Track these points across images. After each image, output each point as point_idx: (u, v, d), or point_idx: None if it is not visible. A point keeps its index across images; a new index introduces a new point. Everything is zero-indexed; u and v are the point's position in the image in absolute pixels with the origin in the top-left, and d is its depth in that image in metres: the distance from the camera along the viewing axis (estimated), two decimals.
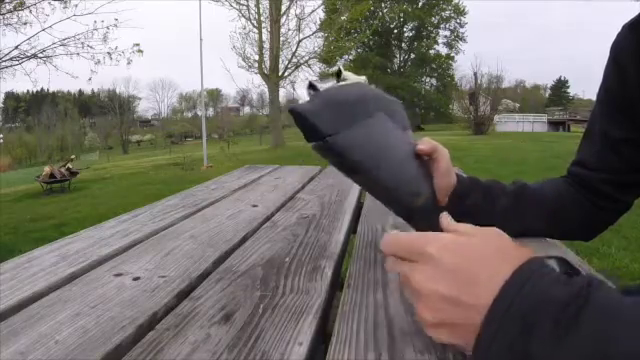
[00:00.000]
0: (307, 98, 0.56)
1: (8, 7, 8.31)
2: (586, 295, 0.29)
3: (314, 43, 17.91)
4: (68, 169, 8.71)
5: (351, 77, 0.61)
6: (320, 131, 0.52)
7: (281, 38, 15.71)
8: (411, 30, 37.84)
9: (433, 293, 0.33)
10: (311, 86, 0.58)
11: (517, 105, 39.19)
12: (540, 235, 0.70)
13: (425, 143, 0.59)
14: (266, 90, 17.31)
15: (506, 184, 0.71)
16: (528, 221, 0.69)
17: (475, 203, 0.66)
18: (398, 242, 0.38)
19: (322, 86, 0.58)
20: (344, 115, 0.54)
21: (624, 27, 0.67)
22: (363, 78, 0.64)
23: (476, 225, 0.39)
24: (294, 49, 16.20)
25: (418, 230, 0.59)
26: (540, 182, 0.74)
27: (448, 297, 0.32)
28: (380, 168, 0.55)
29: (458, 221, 0.41)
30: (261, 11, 15.73)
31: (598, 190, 0.68)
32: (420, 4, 36.01)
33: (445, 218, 0.40)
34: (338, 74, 0.61)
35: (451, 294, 0.32)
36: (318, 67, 17.56)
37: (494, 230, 0.37)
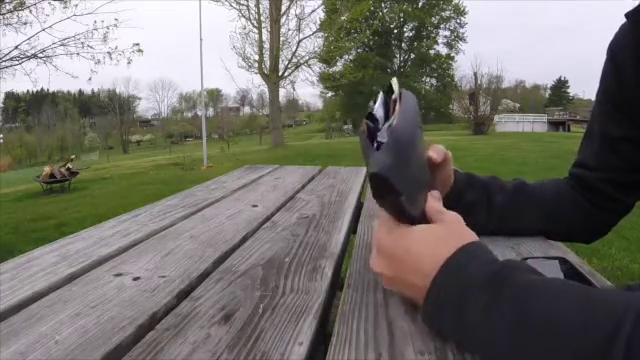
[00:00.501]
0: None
1: (8, 7, 8.30)
2: (506, 273, 0.37)
3: (314, 43, 17.92)
4: (68, 169, 8.71)
5: (397, 88, 0.59)
6: (397, 191, 0.49)
7: (281, 38, 15.71)
8: (411, 30, 37.86)
9: (388, 274, 0.45)
10: (369, 116, 0.55)
11: (517, 105, 39.21)
12: (538, 235, 0.70)
13: (437, 152, 0.57)
14: (266, 90, 17.31)
15: (505, 181, 0.71)
16: (525, 220, 0.69)
17: (472, 200, 0.67)
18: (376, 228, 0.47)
19: (379, 113, 0.56)
20: (406, 159, 0.53)
21: (622, 27, 0.67)
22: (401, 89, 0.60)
23: (473, 222, 0.48)
24: (294, 49, 16.21)
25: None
26: (540, 182, 0.74)
27: (398, 278, 0.45)
28: (409, 194, 0.52)
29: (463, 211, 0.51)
30: (261, 11, 15.73)
31: (598, 190, 0.68)
32: (420, 4, 36.02)
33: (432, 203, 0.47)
34: (389, 90, 0.59)
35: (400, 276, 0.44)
36: (318, 67, 17.58)
37: (452, 218, 0.46)
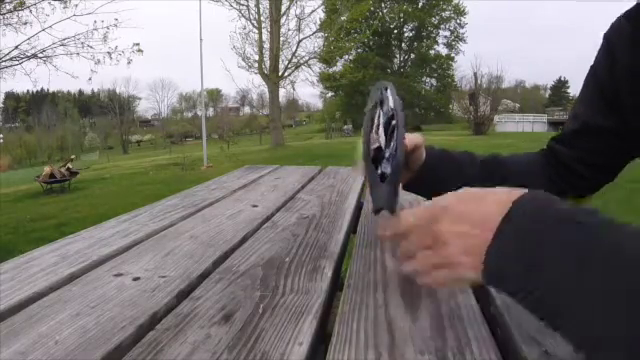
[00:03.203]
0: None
1: (8, 7, 8.30)
2: (577, 211, 0.34)
3: (314, 43, 17.96)
4: (68, 169, 8.71)
5: (392, 102, 0.66)
6: (395, 209, 0.58)
7: (281, 38, 15.71)
8: (411, 30, 37.84)
9: (453, 234, 0.39)
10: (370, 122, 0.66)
11: (517, 105, 39.19)
12: None
13: (410, 141, 0.67)
14: (266, 90, 17.30)
15: (477, 155, 0.76)
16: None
17: (444, 174, 0.72)
18: (416, 213, 0.44)
19: (381, 136, 0.63)
20: (400, 176, 0.61)
21: (619, 18, 0.69)
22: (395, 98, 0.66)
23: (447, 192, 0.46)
24: (294, 49, 16.21)
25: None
26: (514, 154, 0.77)
27: (464, 232, 0.39)
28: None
29: (432, 187, 0.59)
30: (261, 11, 15.73)
31: (570, 167, 0.70)
32: (420, 4, 36.00)
33: None
34: (380, 104, 0.66)
35: (465, 230, 0.39)
36: (318, 67, 17.58)
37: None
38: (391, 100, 0.65)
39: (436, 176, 0.72)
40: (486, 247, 0.36)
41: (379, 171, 0.63)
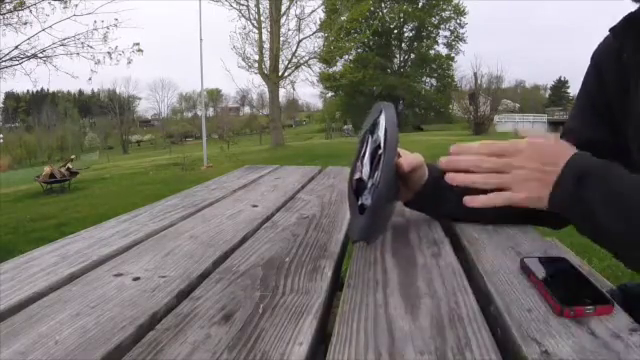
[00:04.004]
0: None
1: (8, 7, 8.30)
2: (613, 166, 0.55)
3: (314, 43, 17.91)
4: (68, 169, 8.72)
5: (383, 124, 0.66)
6: (367, 241, 0.64)
7: (281, 38, 15.72)
8: (411, 30, 37.83)
9: (528, 168, 0.59)
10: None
11: (517, 105, 39.17)
12: (512, 219, 0.74)
13: (408, 163, 0.68)
14: (266, 90, 17.31)
15: None
16: (497, 208, 0.74)
17: (447, 189, 0.72)
18: (492, 146, 0.61)
19: (366, 166, 0.65)
20: (384, 206, 0.65)
21: (605, 38, 0.74)
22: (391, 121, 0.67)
23: (449, 206, 0.71)
24: (294, 49, 16.22)
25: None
26: None
27: (537, 168, 0.58)
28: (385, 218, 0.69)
29: (433, 204, 0.76)
30: (261, 11, 15.74)
31: None
32: (420, 4, 36.00)
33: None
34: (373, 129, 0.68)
35: (538, 167, 0.58)
36: (318, 67, 17.58)
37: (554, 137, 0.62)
38: (382, 128, 0.64)
39: (437, 192, 0.73)
40: (549, 189, 0.57)
41: (359, 202, 0.63)
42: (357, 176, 0.64)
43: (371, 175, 0.63)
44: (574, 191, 0.55)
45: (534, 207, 0.60)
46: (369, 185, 0.63)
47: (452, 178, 0.62)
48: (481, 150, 0.61)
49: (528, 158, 0.58)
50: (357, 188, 0.65)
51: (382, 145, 0.62)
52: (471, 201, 0.62)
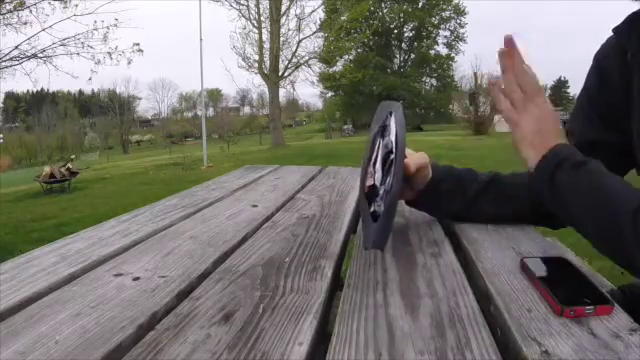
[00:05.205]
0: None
1: (8, 7, 8.30)
2: (585, 162, 0.59)
3: (314, 43, 17.87)
4: (68, 169, 8.72)
5: (394, 127, 0.66)
6: (381, 248, 0.62)
7: (281, 38, 15.71)
8: (411, 30, 37.81)
9: (527, 131, 0.64)
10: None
11: None
12: (511, 219, 0.76)
13: (414, 163, 0.68)
14: (266, 90, 17.30)
15: (480, 172, 0.79)
16: (497, 207, 0.76)
17: (449, 188, 0.75)
18: (529, 75, 0.64)
19: (378, 173, 0.64)
20: (395, 206, 0.64)
21: (608, 39, 0.74)
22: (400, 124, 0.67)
23: (450, 207, 0.76)
24: (294, 49, 16.21)
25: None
26: (515, 174, 0.79)
27: (532, 141, 0.63)
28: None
29: (435, 203, 0.77)
30: (261, 11, 15.74)
31: None
32: (420, 4, 35.98)
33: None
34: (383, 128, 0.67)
35: (535, 140, 0.63)
36: (318, 67, 17.57)
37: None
38: (393, 131, 0.64)
39: (439, 192, 0.75)
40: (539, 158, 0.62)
41: (372, 209, 0.62)
42: (370, 182, 0.63)
43: (383, 181, 0.62)
44: (552, 170, 0.60)
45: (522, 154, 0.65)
46: (381, 192, 0.62)
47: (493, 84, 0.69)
48: (511, 77, 0.65)
49: (536, 120, 0.63)
50: (368, 194, 0.64)
51: (394, 150, 0.62)
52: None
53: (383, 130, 0.66)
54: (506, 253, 0.63)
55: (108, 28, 8.96)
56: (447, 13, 36.39)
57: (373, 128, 0.68)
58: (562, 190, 0.59)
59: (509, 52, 0.64)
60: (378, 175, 0.63)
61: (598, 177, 0.58)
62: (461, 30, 36.77)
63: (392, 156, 0.62)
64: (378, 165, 0.64)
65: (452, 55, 37.40)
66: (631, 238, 0.51)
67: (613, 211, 0.54)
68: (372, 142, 0.67)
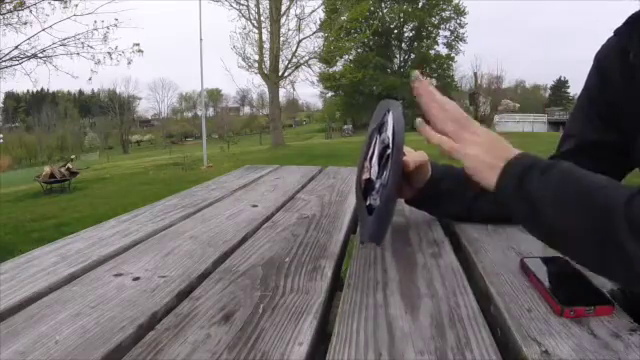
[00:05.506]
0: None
1: (8, 7, 8.30)
2: (554, 164, 0.52)
3: (314, 43, 17.88)
4: (68, 169, 8.72)
5: (391, 125, 0.65)
6: (377, 242, 0.63)
7: (281, 38, 15.71)
8: (411, 30, 37.78)
9: (476, 155, 0.56)
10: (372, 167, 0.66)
11: (517, 105, 39.14)
12: (510, 219, 0.74)
13: (414, 160, 0.68)
14: (266, 90, 17.30)
15: None
16: (497, 207, 0.75)
17: (448, 187, 0.75)
18: (455, 110, 0.58)
19: (374, 167, 0.64)
20: (393, 202, 0.64)
21: (608, 39, 0.74)
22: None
23: (450, 207, 0.76)
24: (294, 49, 16.21)
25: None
26: None
27: (484, 160, 0.55)
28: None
29: (435, 202, 0.76)
30: (261, 11, 15.73)
31: None
32: (420, 4, 35.96)
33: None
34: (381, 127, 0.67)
35: (487, 159, 0.55)
36: (318, 67, 17.57)
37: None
38: (390, 127, 0.64)
39: (438, 190, 0.75)
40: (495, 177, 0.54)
41: (367, 202, 0.63)
42: (366, 176, 0.64)
43: (379, 175, 0.63)
44: (519, 178, 0.53)
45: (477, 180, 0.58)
46: (377, 185, 0.62)
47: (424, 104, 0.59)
48: (437, 112, 0.58)
49: (480, 144, 0.56)
50: (365, 188, 0.64)
51: (390, 145, 0.62)
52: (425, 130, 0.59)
53: (380, 127, 0.66)
54: (506, 253, 0.63)
55: (108, 28, 8.97)
56: (447, 13, 36.37)
57: (371, 125, 0.68)
58: (533, 198, 0.51)
59: (424, 89, 0.59)
60: (374, 169, 0.63)
61: (574, 176, 0.51)
62: (461, 30, 36.75)
63: (389, 151, 0.62)
64: (374, 160, 0.64)
65: (452, 55, 37.39)
66: (629, 237, 0.45)
67: (603, 208, 0.46)
68: (369, 138, 0.67)
